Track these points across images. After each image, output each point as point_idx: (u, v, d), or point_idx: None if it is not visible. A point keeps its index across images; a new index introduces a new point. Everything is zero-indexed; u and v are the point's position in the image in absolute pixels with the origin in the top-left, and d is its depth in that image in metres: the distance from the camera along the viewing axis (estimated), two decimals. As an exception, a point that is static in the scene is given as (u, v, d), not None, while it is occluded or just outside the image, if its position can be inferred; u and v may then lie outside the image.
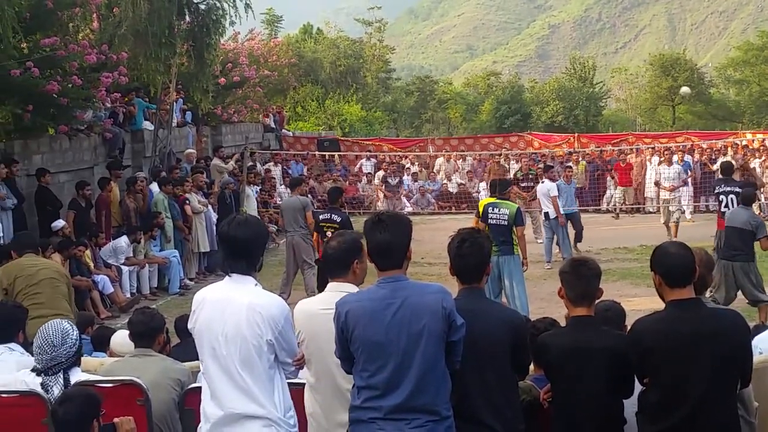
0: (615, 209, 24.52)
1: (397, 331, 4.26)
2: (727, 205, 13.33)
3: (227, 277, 4.62)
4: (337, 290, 4.69)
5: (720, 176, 14.78)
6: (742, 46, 54.81)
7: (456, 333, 4.31)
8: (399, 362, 4.24)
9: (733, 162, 18.07)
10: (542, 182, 17.72)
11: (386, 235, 4.40)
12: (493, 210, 12.05)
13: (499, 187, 12.62)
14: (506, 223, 11.83)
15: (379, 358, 4.27)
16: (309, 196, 25.22)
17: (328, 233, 12.01)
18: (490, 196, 12.70)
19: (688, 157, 24.74)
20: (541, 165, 22.23)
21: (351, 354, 4.38)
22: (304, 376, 4.95)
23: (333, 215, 12.55)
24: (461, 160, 29.43)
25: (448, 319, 4.28)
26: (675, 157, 23.33)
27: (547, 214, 16.84)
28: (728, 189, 13.59)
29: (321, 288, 12.30)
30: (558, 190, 16.95)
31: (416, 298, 4.32)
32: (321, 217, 12.80)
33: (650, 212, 23.98)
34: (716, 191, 14.09)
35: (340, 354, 4.46)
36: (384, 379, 4.25)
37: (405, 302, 4.30)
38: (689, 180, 22.63)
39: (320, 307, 4.69)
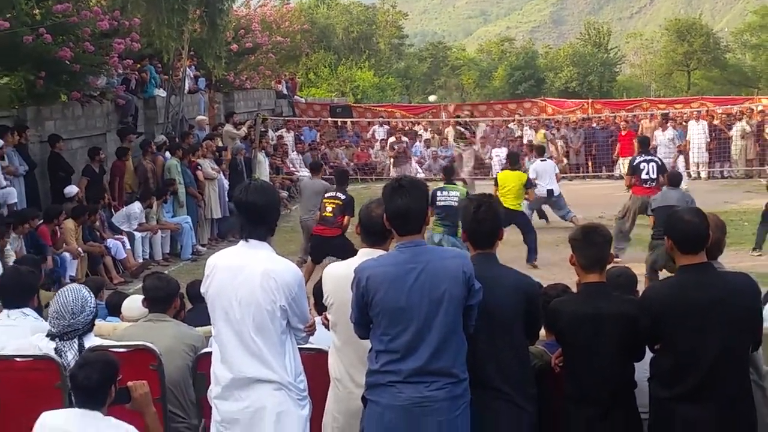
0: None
1: (419, 295, 4.26)
2: (648, 173, 14.02)
3: (242, 241, 4.63)
4: (369, 256, 4.68)
5: (638, 150, 15.19)
6: (759, 11, 54.30)
7: (474, 297, 4.33)
8: (420, 326, 4.25)
9: (649, 137, 18.08)
10: (543, 161, 17.40)
11: (406, 200, 4.40)
12: (441, 193, 12.49)
13: (447, 174, 13.28)
14: (456, 203, 12.07)
15: (401, 323, 4.28)
16: (321, 162, 25.35)
17: (328, 207, 12.43)
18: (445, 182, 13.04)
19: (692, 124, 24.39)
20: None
21: (368, 319, 4.39)
22: (330, 339, 4.97)
23: (338, 193, 12.70)
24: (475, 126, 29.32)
25: (468, 283, 4.29)
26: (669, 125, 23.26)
27: (551, 191, 16.73)
28: (649, 158, 14.42)
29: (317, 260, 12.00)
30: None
31: (437, 263, 4.32)
32: (327, 194, 12.86)
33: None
34: (636, 162, 14.36)
35: (357, 319, 4.46)
36: (404, 343, 4.26)
37: (426, 267, 4.30)
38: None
39: (351, 272, 4.62)
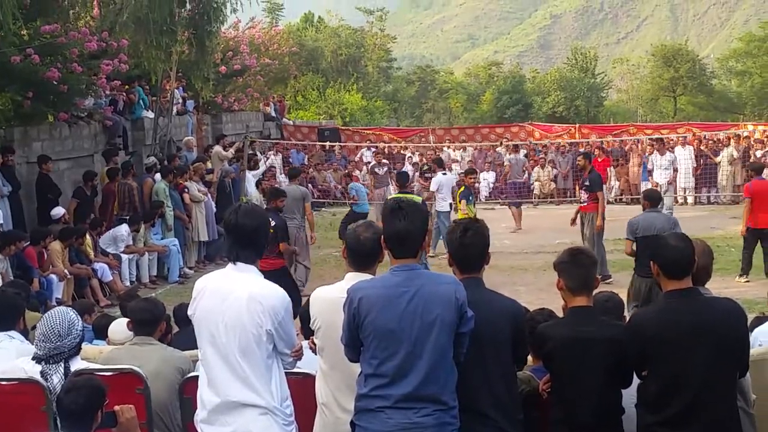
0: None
1: (411, 319, 4.25)
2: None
3: (230, 264, 4.63)
4: (356, 280, 4.66)
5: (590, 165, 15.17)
6: (744, 37, 54.71)
7: (466, 325, 4.32)
8: (410, 351, 4.24)
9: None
10: (445, 174, 17.36)
11: (405, 223, 4.39)
12: None
13: (401, 180, 12.55)
14: None
15: (391, 346, 4.27)
16: (309, 185, 25.39)
17: None
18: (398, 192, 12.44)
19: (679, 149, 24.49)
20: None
21: (359, 341, 4.38)
22: (317, 363, 4.95)
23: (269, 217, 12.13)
24: (462, 150, 29.41)
25: (460, 310, 4.28)
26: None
27: (450, 205, 16.60)
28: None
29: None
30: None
31: (430, 287, 4.32)
32: None
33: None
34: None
35: (348, 341, 4.45)
36: (394, 368, 4.25)
37: (419, 291, 4.29)
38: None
39: (339, 295, 4.62)
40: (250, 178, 19.73)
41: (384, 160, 24.59)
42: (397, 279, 4.36)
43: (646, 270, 9.86)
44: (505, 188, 24.84)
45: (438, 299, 4.27)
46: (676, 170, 21.48)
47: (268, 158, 25.20)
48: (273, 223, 10.52)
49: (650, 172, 21.10)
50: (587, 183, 14.58)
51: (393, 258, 4.46)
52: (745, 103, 51.83)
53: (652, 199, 11.02)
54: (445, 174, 17.25)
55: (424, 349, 4.24)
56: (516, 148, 25.27)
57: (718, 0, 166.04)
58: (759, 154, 24.32)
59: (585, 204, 14.59)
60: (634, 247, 10.63)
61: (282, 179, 24.03)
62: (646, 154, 22.80)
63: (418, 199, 11.70)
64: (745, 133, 27.91)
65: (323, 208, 25.18)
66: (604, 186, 22.92)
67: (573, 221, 15.03)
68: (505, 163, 25.44)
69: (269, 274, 10.02)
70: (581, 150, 22.85)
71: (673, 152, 22.23)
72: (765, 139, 25.74)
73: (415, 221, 4.42)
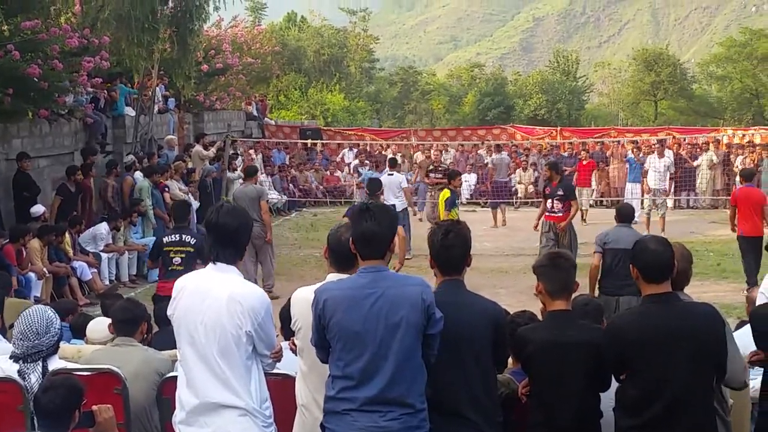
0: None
1: (375, 321, 4.25)
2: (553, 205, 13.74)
3: (210, 264, 4.60)
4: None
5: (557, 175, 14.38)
6: (725, 43, 55.12)
7: (434, 326, 4.30)
8: (375, 353, 4.23)
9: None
10: (391, 175, 17.32)
11: (372, 224, 4.39)
12: None
13: (371, 187, 11.58)
14: None
15: (355, 348, 4.26)
16: (290, 185, 25.38)
17: (176, 258, 10.14)
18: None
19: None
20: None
21: (327, 343, 4.37)
22: (297, 364, 4.94)
23: (184, 236, 10.30)
24: (444, 151, 29.45)
25: (427, 311, 4.26)
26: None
27: (394, 206, 16.42)
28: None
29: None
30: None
31: (396, 289, 4.30)
32: (167, 239, 10.43)
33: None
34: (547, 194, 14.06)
35: (316, 342, 4.44)
36: (359, 369, 4.24)
37: (385, 293, 4.28)
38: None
39: None
40: (233, 177, 19.68)
41: (366, 161, 24.66)
42: (363, 280, 4.35)
43: (612, 287, 9.73)
44: (487, 190, 24.96)
45: (404, 301, 4.26)
46: (671, 177, 21.47)
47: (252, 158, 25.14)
48: (193, 242, 10.05)
49: (645, 173, 21.02)
50: (560, 192, 13.85)
51: (361, 259, 4.45)
52: (725, 108, 52.26)
53: (624, 215, 10.61)
54: (390, 175, 17.26)
55: (389, 351, 4.23)
56: (498, 148, 25.29)
57: (699, 5, 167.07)
58: (738, 160, 24.44)
59: (560, 214, 13.79)
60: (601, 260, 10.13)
61: (263, 179, 24.01)
62: (640, 155, 22.70)
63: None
64: (725, 138, 28.07)
65: (304, 209, 25.17)
66: (587, 190, 23.10)
67: (536, 227, 14.48)
68: (488, 165, 25.50)
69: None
70: (550, 158, 22.75)
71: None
72: (744, 145, 25.89)
73: (382, 223, 4.42)
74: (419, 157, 27.28)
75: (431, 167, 20.10)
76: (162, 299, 9.25)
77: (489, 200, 23.60)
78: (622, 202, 13.93)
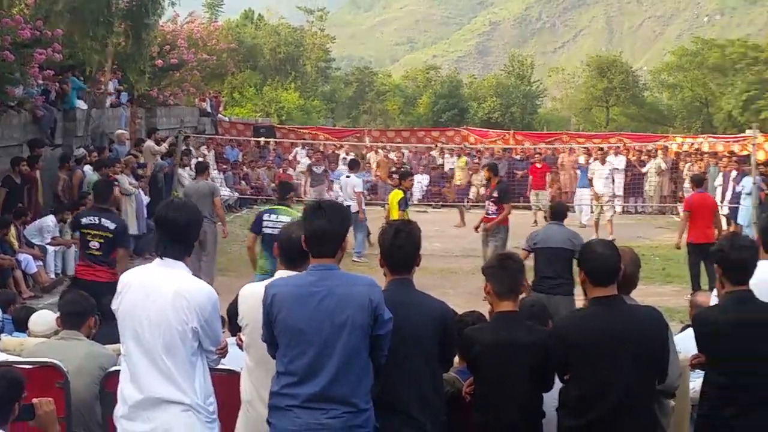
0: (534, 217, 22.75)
1: (321, 319, 4.25)
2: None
3: (157, 259, 4.57)
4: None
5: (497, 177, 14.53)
6: (677, 51, 55.84)
7: (382, 327, 4.31)
8: (319, 351, 4.24)
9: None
10: (348, 177, 17.42)
11: (323, 222, 4.40)
12: (269, 217, 10.23)
13: (282, 191, 11.07)
14: None
15: (300, 345, 4.27)
16: (242, 182, 25.25)
17: (93, 242, 9.52)
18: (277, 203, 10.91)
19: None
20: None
21: (275, 338, 4.38)
22: (242, 360, 4.94)
23: (104, 219, 9.62)
24: (393, 153, 29.51)
25: (374, 312, 4.27)
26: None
27: (348, 208, 16.34)
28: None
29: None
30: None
31: (344, 288, 4.31)
32: (85, 221, 9.73)
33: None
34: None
35: (266, 338, 4.44)
36: (302, 366, 4.25)
37: (332, 291, 4.29)
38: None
39: None
40: (184, 174, 19.52)
41: (320, 161, 24.58)
42: (311, 278, 4.36)
43: (544, 286, 9.68)
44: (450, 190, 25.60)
45: (350, 300, 4.27)
46: (614, 181, 21.73)
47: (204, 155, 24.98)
48: (113, 226, 9.53)
49: (591, 181, 21.29)
50: (495, 194, 13.87)
51: (312, 257, 4.45)
52: (675, 115, 52.97)
53: (556, 213, 10.59)
54: (348, 177, 17.33)
55: (334, 350, 4.23)
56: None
57: (653, 14, 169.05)
58: (686, 167, 24.80)
59: (492, 216, 13.82)
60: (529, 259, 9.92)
61: (215, 175, 23.86)
62: (591, 160, 22.88)
63: (295, 213, 9.96)
64: (674, 145, 28.47)
65: (255, 206, 25.03)
66: (543, 193, 23.28)
67: (477, 228, 14.37)
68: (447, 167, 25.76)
69: (98, 287, 8.37)
70: (488, 161, 22.91)
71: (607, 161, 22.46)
72: (693, 152, 26.28)
73: (334, 221, 4.43)
74: (374, 157, 27.38)
75: (394, 168, 20.18)
76: (81, 282, 9.18)
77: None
78: (556, 201, 14.04)
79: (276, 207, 10.53)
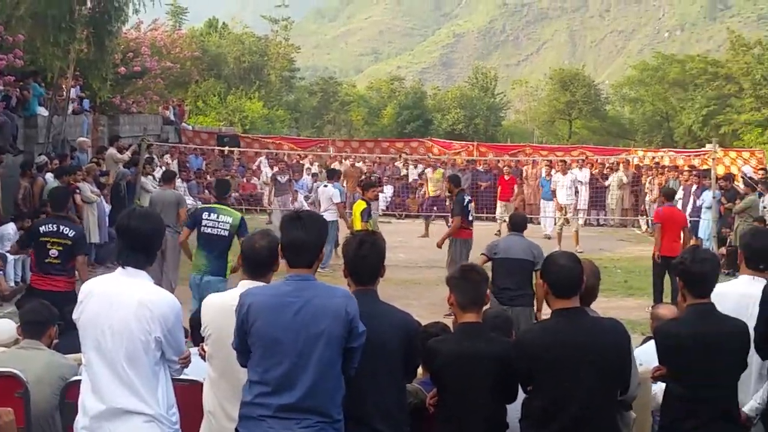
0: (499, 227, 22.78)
1: (297, 330, 4.24)
2: (471, 214, 13.34)
3: (119, 269, 4.53)
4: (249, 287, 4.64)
5: (458, 189, 13.78)
6: (638, 66, 56.49)
7: (356, 339, 4.31)
8: (295, 361, 4.22)
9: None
10: (326, 186, 17.39)
11: (302, 233, 4.39)
12: (209, 216, 9.92)
13: (220, 189, 10.79)
14: (226, 234, 9.78)
15: (275, 355, 4.25)
16: (206, 191, 25.10)
17: (52, 250, 9.13)
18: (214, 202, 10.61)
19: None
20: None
21: (247, 347, 4.35)
22: (205, 370, 4.90)
23: (62, 227, 9.26)
24: (361, 162, 29.52)
25: (350, 324, 4.27)
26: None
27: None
28: (469, 198, 13.55)
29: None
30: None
31: (321, 299, 4.31)
32: (43, 229, 9.30)
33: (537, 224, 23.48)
34: (465, 202, 13.41)
35: (237, 346, 4.42)
36: (278, 377, 4.23)
37: (309, 302, 4.28)
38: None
39: (232, 303, 4.60)
40: (147, 182, 19.39)
41: (283, 170, 24.52)
42: (288, 288, 4.35)
43: (504, 298, 9.61)
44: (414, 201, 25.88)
45: (327, 312, 4.27)
46: (577, 192, 21.83)
47: (167, 163, 24.81)
48: (72, 234, 9.21)
49: (554, 192, 21.40)
50: (452, 207, 13.70)
51: (289, 267, 4.44)
52: (636, 129, 53.57)
53: (515, 224, 10.54)
54: (325, 186, 17.30)
55: (309, 360, 4.23)
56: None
57: (615, 29, 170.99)
58: (648, 180, 25.03)
59: (448, 228, 13.65)
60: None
61: (178, 184, 23.71)
62: (553, 172, 22.94)
63: (238, 216, 10.02)
64: (636, 159, 28.75)
65: (219, 215, 24.85)
66: (510, 205, 23.36)
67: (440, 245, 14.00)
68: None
69: (56, 297, 8.05)
70: (451, 173, 22.98)
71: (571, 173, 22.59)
72: (654, 166, 26.57)
73: (311, 232, 4.43)
74: (337, 166, 27.33)
75: (363, 178, 20.18)
76: (38, 293, 8.78)
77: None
78: (516, 213, 13.98)
79: (215, 206, 10.24)
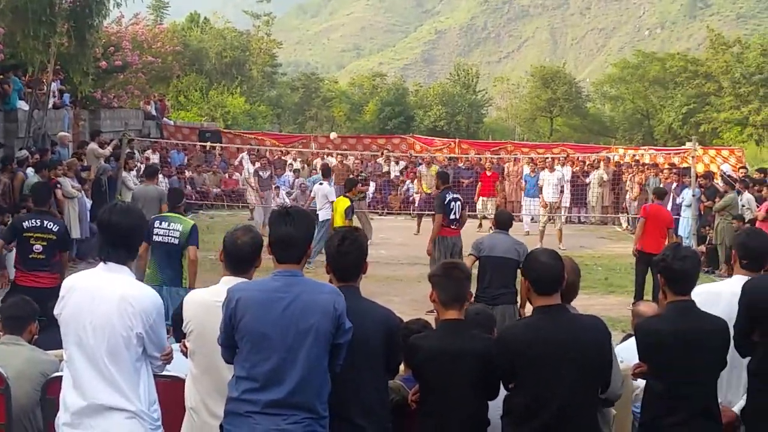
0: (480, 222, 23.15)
1: (285, 325, 4.24)
2: (455, 213, 12.91)
3: (100, 264, 4.52)
4: (232, 284, 4.63)
5: (443, 186, 13.47)
6: (619, 64, 56.77)
7: (343, 336, 4.32)
8: (283, 357, 4.23)
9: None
10: (321, 184, 17.40)
11: (290, 228, 4.40)
12: (160, 224, 9.63)
13: (173, 199, 10.37)
14: (177, 242, 9.52)
15: (263, 351, 4.25)
16: (188, 186, 25.02)
17: (36, 246, 9.19)
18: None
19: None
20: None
21: (234, 342, 4.35)
22: (187, 367, 4.90)
23: (46, 221, 9.34)
24: (344, 159, 29.49)
25: (338, 321, 4.29)
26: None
27: (317, 215, 16.09)
28: (455, 196, 13.23)
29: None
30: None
31: (309, 295, 4.31)
32: (27, 224, 9.32)
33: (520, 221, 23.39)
34: (447, 200, 12.97)
35: (224, 341, 4.41)
36: (265, 373, 4.23)
37: (297, 298, 4.29)
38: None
39: (213, 299, 4.62)
40: (128, 176, 19.31)
41: (265, 166, 24.50)
42: (276, 284, 4.35)
43: (487, 296, 9.58)
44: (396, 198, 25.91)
45: (316, 308, 4.27)
46: (562, 190, 21.88)
47: (147, 158, 24.71)
48: (56, 228, 9.26)
49: (541, 189, 21.35)
50: (435, 205, 13.45)
51: (277, 263, 4.44)
52: (617, 127, 53.81)
53: (500, 222, 10.38)
54: (321, 184, 17.30)
55: (297, 356, 4.23)
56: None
57: (595, 27, 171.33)
58: (629, 178, 25.11)
59: (445, 227, 13.12)
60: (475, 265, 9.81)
61: (160, 179, 23.61)
62: (537, 169, 22.93)
63: (189, 224, 9.77)
64: (616, 157, 28.85)
65: (201, 211, 24.84)
66: (492, 201, 23.45)
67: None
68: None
69: (42, 293, 7.97)
70: (440, 168, 23.03)
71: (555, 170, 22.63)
72: (634, 164, 26.67)
73: (300, 228, 4.44)
74: (320, 163, 27.31)
75: (351, 176, 20.18)
76: (21, 289, 8.78)
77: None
78: (501, 210, 13.82)
79: (167, 214, 9.91)
